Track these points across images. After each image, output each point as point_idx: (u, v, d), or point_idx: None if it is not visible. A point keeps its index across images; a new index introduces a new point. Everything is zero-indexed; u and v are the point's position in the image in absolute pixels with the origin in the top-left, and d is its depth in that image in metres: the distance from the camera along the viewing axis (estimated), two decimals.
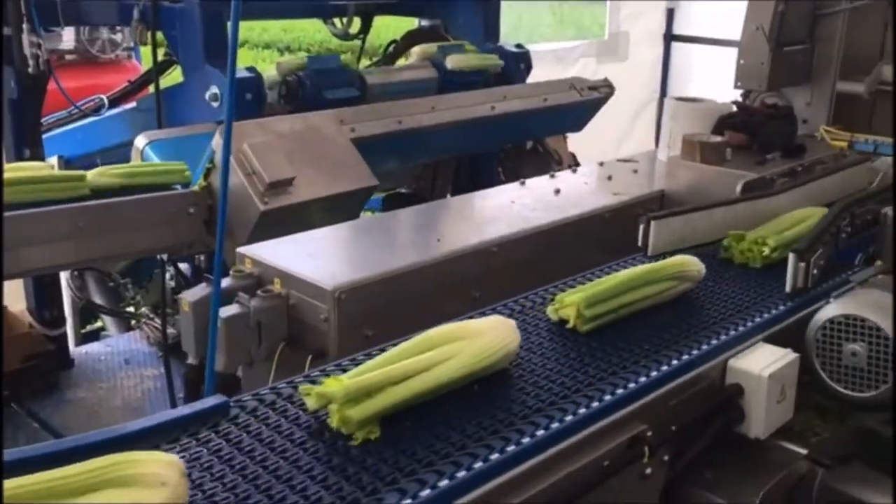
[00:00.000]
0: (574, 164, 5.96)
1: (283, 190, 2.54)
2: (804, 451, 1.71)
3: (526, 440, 1.35)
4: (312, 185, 2.64)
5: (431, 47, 4.00)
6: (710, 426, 1.62)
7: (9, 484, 1.09)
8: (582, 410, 1.44)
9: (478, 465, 1.28)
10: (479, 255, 2.19)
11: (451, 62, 3.83)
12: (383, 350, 1.56)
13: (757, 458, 1.71)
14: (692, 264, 1.93)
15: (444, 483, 1.24)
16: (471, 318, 1.71)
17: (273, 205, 2.49)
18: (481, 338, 1.51)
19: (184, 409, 1.40)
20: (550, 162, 4.45)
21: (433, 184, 4.39)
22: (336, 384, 1.32)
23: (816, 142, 2.99)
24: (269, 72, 3.38)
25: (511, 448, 1.33)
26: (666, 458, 1.53)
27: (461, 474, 1.26)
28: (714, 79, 6.64)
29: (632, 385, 1.54)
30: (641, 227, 2.15)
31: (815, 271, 1.92)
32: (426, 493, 1.22)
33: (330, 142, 2.93)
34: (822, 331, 1.75)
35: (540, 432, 1.37)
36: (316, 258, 2.08)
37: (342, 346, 1.91)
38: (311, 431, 1.36)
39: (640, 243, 2.16)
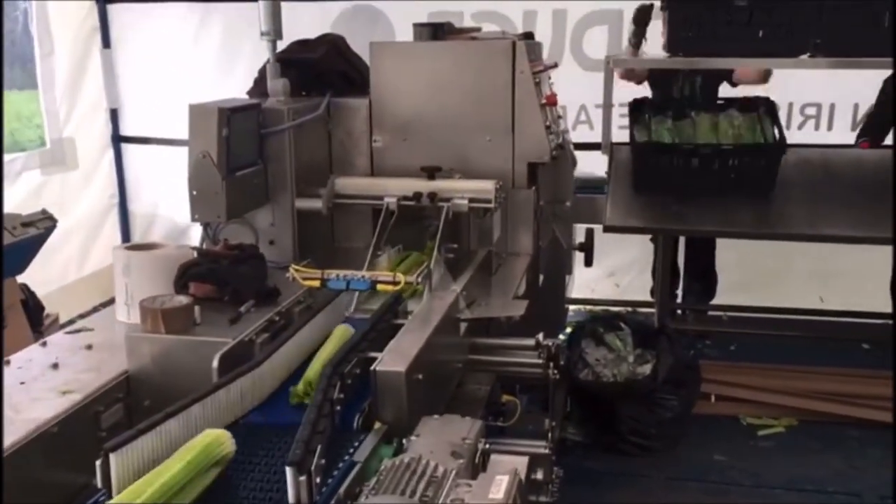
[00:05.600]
0: (30, 296, 5.13)
1: None
2: None
3: None
4: None
5: None
6: None
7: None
8: None
9: None
10: None
11: None
12: None
13: None
14: None
15: None
16: None
17: None
18: None
19: None
20: None
21: None
22: None
23: (287, 278, 2.77)
24: None
25: None
26: None
27: None
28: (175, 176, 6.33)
29: None
30: (99, 464, 1.63)
31: (317, 480, 1.63)
32: None
33: None
34: None
35: None
36: None
37: None
38: None
39: (99, 485, 1.65)
